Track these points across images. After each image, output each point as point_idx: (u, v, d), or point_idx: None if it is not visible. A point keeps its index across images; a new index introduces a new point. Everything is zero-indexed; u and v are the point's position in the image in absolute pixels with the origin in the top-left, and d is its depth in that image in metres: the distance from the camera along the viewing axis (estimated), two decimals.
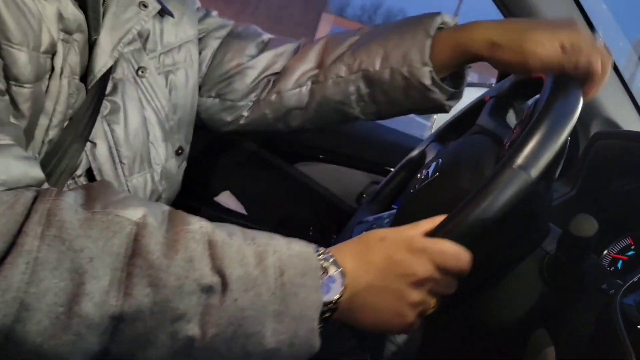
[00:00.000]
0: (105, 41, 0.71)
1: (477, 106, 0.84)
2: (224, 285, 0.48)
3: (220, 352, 0.50)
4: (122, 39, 0.73)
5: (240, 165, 1.34)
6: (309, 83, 0.84)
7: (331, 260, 0.54)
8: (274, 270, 0.50)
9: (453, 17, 0.77)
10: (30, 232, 0.45)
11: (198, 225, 0.51)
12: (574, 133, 0.96)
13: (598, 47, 0.65)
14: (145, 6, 0.76)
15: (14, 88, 0.58)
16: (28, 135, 0.64)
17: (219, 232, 0.52)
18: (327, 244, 0.81)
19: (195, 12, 0.90)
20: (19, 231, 0.45)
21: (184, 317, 0.47)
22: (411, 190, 0.74)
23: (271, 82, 0.89)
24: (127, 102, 0.77)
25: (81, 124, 0.71)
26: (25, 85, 0.59)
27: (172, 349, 0.48)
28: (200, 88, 0.91)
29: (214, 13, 0.96)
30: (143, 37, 0.81)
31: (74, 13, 0.66)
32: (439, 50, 0.72)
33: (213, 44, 0.91)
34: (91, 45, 0.71)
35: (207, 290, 0.48)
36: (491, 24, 0.70)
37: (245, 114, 0.91)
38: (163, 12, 0.81)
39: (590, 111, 0.98)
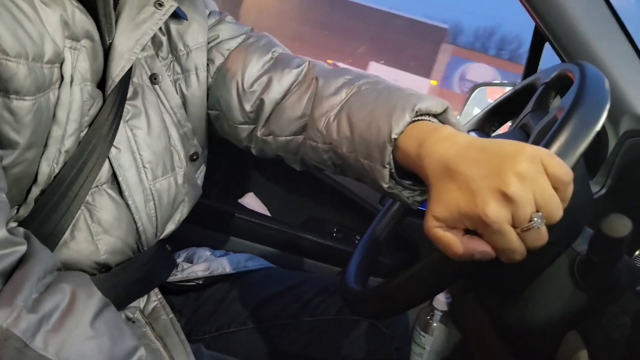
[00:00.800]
0: (121, 44, 0.70)
1: (524, 92, 0.81)
2: None
3: None
4: (139, 40, 0.72)
5: (264, 167, 1.35)
6: (302, 136, 0.79)
7: None
8: None
9: (434, 103, 0.64)
10: None
11: None
12: (602, 131, 0.95)
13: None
14: (161, 5, 0.75)
15: (15, 102, 0.57)
16: (39, 147, 0.63)
17: None
18: (351, 246, 0.81)
19: (205, 18, 0.88)
20: None
21: None
22: None
23: (265, 111, 0.83)
24: (147, 106, 0.77)
25: (103, 130, 0.70)
26: (26, 97, 0.58)
27: None
28: (207, 99, 0.88)
29: (229, 18, 0.93)
30: (156, 45, 0.81)
31: (80, 19, 0.65)
32: (400, 157, 0.62)
33: (219, 58, 0.87)
34: (106, 50, 0.70)
35: None
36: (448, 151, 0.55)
37: (246, 140, 0.88)
38: (177, 14, 0.80)
39: (620, 109, 0.96)
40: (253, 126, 0.85)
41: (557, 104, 0.70)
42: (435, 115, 0.65)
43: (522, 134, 0.73)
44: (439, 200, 0.52)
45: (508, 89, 0.91)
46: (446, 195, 0.51)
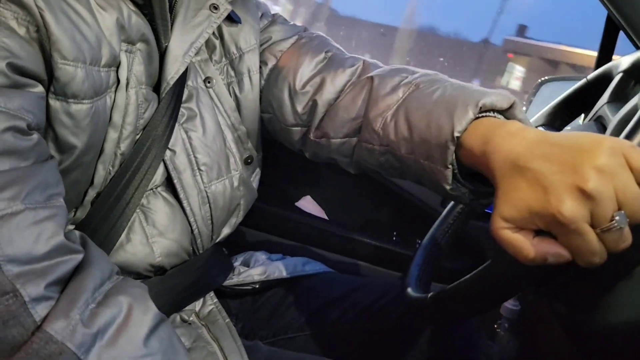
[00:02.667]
0: (176, 47, 0.71)
1: (598, 82, 0.76)
2: None
3: None
4: (194, 43, 0.72)
5: (321, 169, 1.33)
6: (356, 138, 0.76)
7: None
8: None
9: (499, 98, 0.60)
10: None
11: None
12: None
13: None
14: (216, 8, 0.75)
15: (73, 106, 0.57)
16: (96, 150, 0.64)
17: None
18: (411, 250, 0.78)
19: (257, 20, 0.87)
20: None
21: None
22: None
23: (318, 112, 0.81)
24: (202, 109, 0.77)
25: (157, 132, 0.70)
26: (84, 101, 0.58)
27: None
28: (260, 102, 0.87)
29: (281, 19, 0.92)
30: (210, 48, 0.81)
31: (136, 23, 0.65)
32: (463, 156, 0.59)
33: (272, 59, 0.86)
34: (162, 53, 0.71)
35: None
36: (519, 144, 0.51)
37: (299, 142, 0.86)
38: (230, 17, 0.80)
39: None
40: (305, 128, 0.83)
41: (637, 92, 0.65)
42: (501, 112, 0.61)
43: (598, 126, 0.68)
44: (507, 199, 0.48)
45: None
46: (515, 194, 0.47)
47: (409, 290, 0.68)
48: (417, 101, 0.67)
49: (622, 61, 0.74)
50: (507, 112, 0.61)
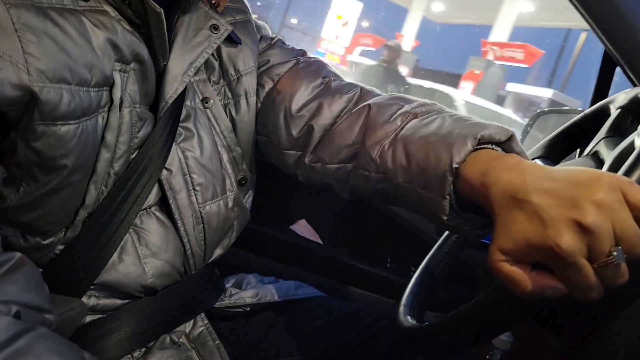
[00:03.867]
0: (176, 67, 0.71)
1: (595, 117, 0.76)
2: None
3: None
4: (193, 63, 0.72)
5: (317, 193, 1.32)
6: (351, 164, 0.76)
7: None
8: None
9: (498, 130, 0.61)
10: None
11: None
12: None
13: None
14: (216, 29, 0.76)
15: (61, 127, 0.57)
16: (86, 170, 0.63)
17: None
18: (406, 277, 0.77)
19: (257, 43, 0.88)
20: None
21: None
22: None
23: (313, 137, 0.80)
24: (199, 129, 0.77)
25: (154, 151, 0.70)
26: (71, 122, 0.58)
27: None
28: (256, 124, 0.87)
29: (280, 43, 0.92)
30: (208, 69, 0.82)
31: (131, 42, 0.65)
32: (461, 187, 0.58)
33: (269, 83, 0.86)
34: (159, 72, 0.70)
35: None
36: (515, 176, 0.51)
37: (293, 166, 0.86)
38: (230, 38, 0.80)
39: None
40: (300, 152, 0.83)
41: (635, 129, 0.65)
42: (498, 144, 0.61)
43: (595, 161, 0.68)
44: (505, 231, 0.47)
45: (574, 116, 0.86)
46: (513, 226, 0.47)
47: (403, 318, 0.67)
48: (416, 130, 0.67)
49: (618, 97, 0.74)
50: (504, 145, 0.61)
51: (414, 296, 0.73)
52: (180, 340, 0.79)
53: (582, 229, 0.43)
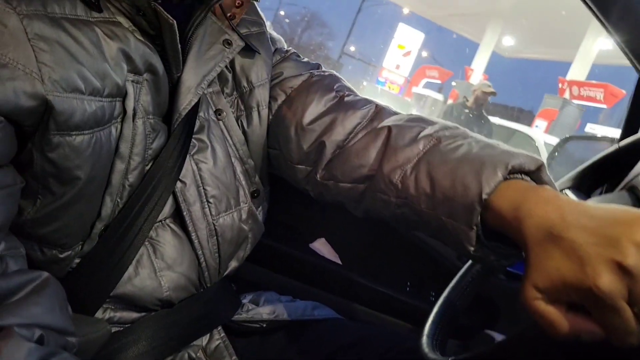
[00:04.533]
0: (189, 78, 0.71)
1: (632, 149, 0.74)
2: None
3: None
4: (207, 76, 0.72)
5: (337, 212, 1.31)
6: (363, 185, 0.75)
7: None
8: None
9: (527, 160, 0.59)
10: None
11: None
12: None
13: None
14: (229, 44, 0.76)
15: (76, 138, 0.57)
16: (100, 181, 0.63)
17: None
18: (425, 302, 0.75)
19: (270, 56, 0.87)
20: None
21: None
22: None
23: (326, 154, 0.79)
24: (213, 140, 0.77)
25: (168, 164, 0.70)
26: (85, 131, 0.58)
27: None
28: (268, 137, 0.87)
29: (294, 56, 0.92)
30: (222, 81, 0.82)
31: (144, 53, 0.65)
32: (490, 218, 0.57)
33: (282, 95, 0.85)
34: (173, 83, 0.71)
35: None
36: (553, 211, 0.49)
37: (303, 181, 0.84)
38: (244, 50, 0.80)
39: None
40: (311, 168, 0.82)
41: None
42: (527, 173, 0.59)
43: (632, 197, 0.65)
44: (541, 268, 0.46)
45: (604, 143, 0.84)
46: (549, 263, 0.45)
47: (427, 349, 0.65)
48: (440, 156, 0.66)
49: None
50: (534, 174, 0.60)
51: (437, 325, 0.71)
52: (198, 354, 0.78)
53: (622, 270, 0.41)
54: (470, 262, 0.83)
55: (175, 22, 0.65)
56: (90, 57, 0.58)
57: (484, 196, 0.56)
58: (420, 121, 0.74)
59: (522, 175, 0.59)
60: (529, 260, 0.48)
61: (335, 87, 0.85)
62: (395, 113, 0.80)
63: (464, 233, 0.59)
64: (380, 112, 0.80)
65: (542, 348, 0.48)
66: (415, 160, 0.68)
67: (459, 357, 0.57)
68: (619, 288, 0.41)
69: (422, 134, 0.70)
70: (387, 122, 0.76)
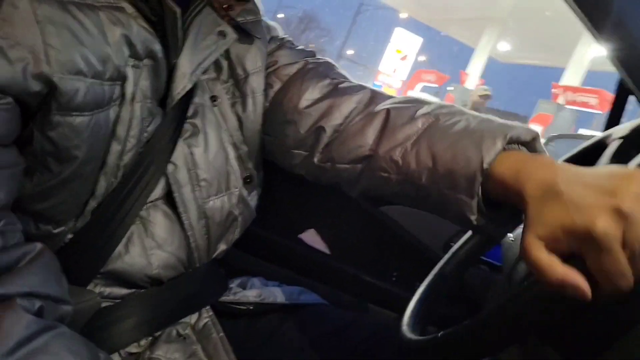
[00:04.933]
0: (184, 65, 0.73)
1: (594, 149, 0.76)
2: None
3: None
4: (201, 64, 0.74)
5: (326, 201, 1.33)
6: (361, 165, 0.77)
7: None
8: None
9: (524, 131, 0.64)
10: None
11: None
12: None
13: None
14: (224, 35, 0.78)
15: (76, 119, 0.59)
16: (97, 161, 0.65)
17: None
18: (409, 291, 0.77)
19: (266, 44, 0.89)
20: None
21: None
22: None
23: (323, 138, 0.81)
24: (206, 125, 0.79)
25: (160, 146, 0.72)
26: (85, 113, 0.60)
27: None
28: (263, 124, 0.89)
29: (289, 44, 0.94)
30: (217, 68, 0.84)
31: (145, 39, 0.67)
32: (492, 186, 0.61)
33: (277, 83, 0.88)
34: (170, 69, 0.73)
35: None
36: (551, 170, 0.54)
37: (299, 166, 0.87)
38: (240, 38, 0.82)
39: None
40: (307, 152, 0.84)
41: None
42: (524, 144, 0.64)
43: None
44: (541, 218, 0.49)
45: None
46: (548, 213, 0.49)
47: (405, 331, 0.67)
48: (440, 132, 0.69)
49: (622, 127, 0.73)
50: (529, 145, 0.64)
51: (418, 310, 0.73)
52: (186, 332, 0.80)
53: (619, 214, 0.44)
54: (452, 249, 0.85)
55: (179, 10, 0.67)
56: (94, 41, 0.60)
57: (485, 165, 0.60)
58: (416, 102, 0.77)
59: (519, 146, 0.63)
60: (529, 215, 0.51)
61: (330, 74, 0.88)
62: (390, 97, 0.83)
63: (466, 203, 0.62)
64: (375, 96, 0.83)
65: (519, 324, 0.50)
66: (415, 137, 0.71)
67: (434, 335, 0.59)
68: (614, 231, 0.44)
69: (419, 112, 0.73)
70: (384, 104, 0.79)
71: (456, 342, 0.56)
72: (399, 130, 0.73)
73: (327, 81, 0.86)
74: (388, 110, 0.77)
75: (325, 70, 0.89)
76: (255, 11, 0.88)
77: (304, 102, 0.84)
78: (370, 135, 0.76)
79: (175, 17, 0.68)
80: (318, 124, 0.82)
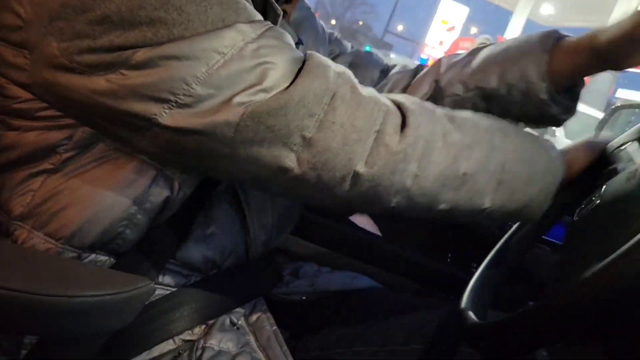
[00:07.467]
0: None
1: None
2: None
3: None
4: None
5: None
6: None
7: None
8: None
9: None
10: None
11: None
12: None
13: None
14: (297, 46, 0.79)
15: None
16: None
17: None
18: (466, 273, 0.75)
19: (324, 37, 0.93)
20: None
21: None
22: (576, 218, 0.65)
23: None
24: None
25: None
26: None
27: None
28: None
29: (336, 35, 0.99)
30: None
31: None
32: (557, 64, 0.70)
33: None
34: None
35: None
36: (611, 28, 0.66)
37: None
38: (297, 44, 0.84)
39: None
40: None
41: None
42: None
43: None
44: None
45: None
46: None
47: (466, 315, 0.64)
48: (495, 47, 0.78)
49: None
50: None
51: (477, 293, 0.70)
52: (240, 322, 0.80)
53: None
54: (512, 230, 0.81)
55: (282, 12, 0.72)
56: None
57: (549, 47, 0.70)
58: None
59: None
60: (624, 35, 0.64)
61: (381, 60, 0.99)
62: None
63: (536, 85, 0.71)
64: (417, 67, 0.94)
65: (568, 317, 0.47)
66: (471, 58, 0.80)
67: (496, 321, 0.56)
68: None
69: (463, 52, 0.84)
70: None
71: (523, 326, 0.53)
72: (457, 63, 0.82)
73: (385, 64, 0.98)
74: (439, 60, 0.87)
75: (377, 56, 1.00)
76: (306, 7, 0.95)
77: (370, 81, 0.92)
78: (428, 82, 0.85)
79: (277, 19, 0.70)
80: None
